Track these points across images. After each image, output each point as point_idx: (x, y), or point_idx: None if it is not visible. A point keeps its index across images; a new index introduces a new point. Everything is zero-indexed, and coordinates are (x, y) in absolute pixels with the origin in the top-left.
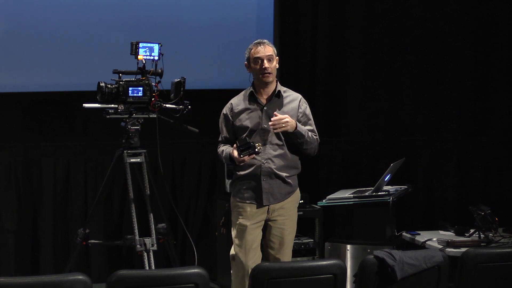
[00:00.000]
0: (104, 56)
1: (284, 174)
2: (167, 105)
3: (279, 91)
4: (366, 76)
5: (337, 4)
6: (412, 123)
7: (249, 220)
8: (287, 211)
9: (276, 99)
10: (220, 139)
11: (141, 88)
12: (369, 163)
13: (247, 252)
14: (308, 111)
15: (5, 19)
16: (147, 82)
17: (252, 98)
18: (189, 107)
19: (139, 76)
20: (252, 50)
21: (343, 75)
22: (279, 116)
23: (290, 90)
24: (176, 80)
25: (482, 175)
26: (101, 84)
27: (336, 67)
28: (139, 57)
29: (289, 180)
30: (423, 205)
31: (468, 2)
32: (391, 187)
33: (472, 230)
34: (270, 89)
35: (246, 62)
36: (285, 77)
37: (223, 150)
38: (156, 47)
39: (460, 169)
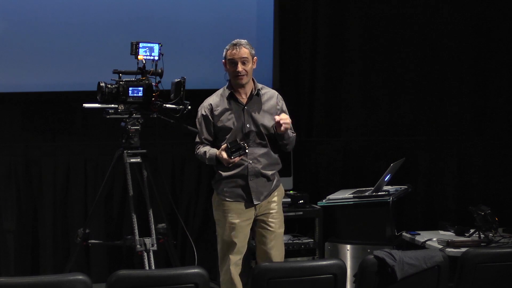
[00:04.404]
0: (104, 56)
1: (269, 173)
2: (167, 105)
3: (258, 89)
4: (366, 76)
5: (337, 4)
6: (412, 123)
7: (238, 218)
8: (273, 207)
9: (256, 97)
10: (198, 140)
11: (141, 88)
12: (369, 163)
13: (238, 249)
14: (285, 107)
15: (5, 19)
16: (147, 82)
17: (232, 98)
18: (189, 107)
19: (139, 76)
20: (228, 52)
21: (343, 75)
22: (286, 116)
23: (266, 87)
24: (176, 80)
25: (482, 175)
26: (101, 84)
27: (336, 67)
28: (139, 57)
29: (274, 177)
30: (423, 205)
31: (468, 2)
32: (391, 187)
33: (472, 230)
34: (248, 88)
35: (223, 60)
36: (285, 77)
37: (205, 151)
38: (156, 47)
39: (460, 169)
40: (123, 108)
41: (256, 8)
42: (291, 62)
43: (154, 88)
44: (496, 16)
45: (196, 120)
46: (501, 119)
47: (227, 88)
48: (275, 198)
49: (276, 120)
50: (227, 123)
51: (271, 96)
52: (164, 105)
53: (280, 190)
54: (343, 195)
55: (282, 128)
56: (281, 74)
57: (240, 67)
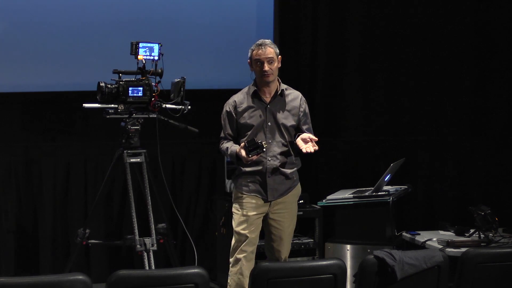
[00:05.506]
0: (104, 56)
1: (288, 171)
2: (167, 105)
3: (282, 90)
4: (366, 76)
5: (337, 4)
6: (412, 123)
7: (252, 211)
8: (287, 205)
9: (279, 97)
10: (222, 135)
11: (141, 88)
12: (369, 163)
13: (250, 240)
14: (307, 110)
15: (5, 19)
16: (147, 82)
17: (256, 96)
18: (189, 107)
19: (139, 76)
20: (254, 52)
21: (343, 75)
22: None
23: (291, 88)
24: (176, 80)
25: (482, 175)
26: (101, 84)
27: (336, 67)
28: (139, 57)
29: (292, 176)
30: (423, 205)
31: (468, 2)
32: (391, 187)
33: (472, 230)
34: (273, 88)
35: (249, 60)
36: (285, 77)
37: (228, 147)
38: (156, 47)
39: (460, 169)
40: (123, 108)
41: (256, 8)
42: (291, 62)
43: (154, 88)
44: (496, 16)
45: (221, 116)
46: (501, 119)
47: (252, 86)
48: (290, 198)
49: (306, 141)
50: (249, 120)
51: (295, 97)
52: (164, 105)
53: (297, 189)
54: (343, 195)
55: (303, 150)
56: (281, 74)
57: (266, 67)
